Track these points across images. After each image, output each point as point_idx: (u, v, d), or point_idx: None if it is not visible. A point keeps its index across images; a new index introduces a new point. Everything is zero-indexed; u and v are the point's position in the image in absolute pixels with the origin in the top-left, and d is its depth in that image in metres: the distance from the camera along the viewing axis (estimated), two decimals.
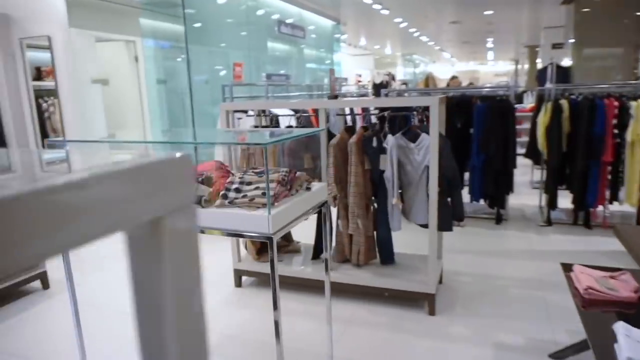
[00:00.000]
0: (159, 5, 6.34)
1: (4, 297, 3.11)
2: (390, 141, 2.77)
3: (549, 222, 4.50)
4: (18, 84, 5.29)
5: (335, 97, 2.92)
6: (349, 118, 5.72)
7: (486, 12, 9.98)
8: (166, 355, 0.31)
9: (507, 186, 4.46)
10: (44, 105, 5.69)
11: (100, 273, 3.63)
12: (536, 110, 5.31)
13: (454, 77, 8.79)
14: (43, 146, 5.48)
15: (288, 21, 8.23)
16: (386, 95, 5.23)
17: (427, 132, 2.64)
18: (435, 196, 2.65)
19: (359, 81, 14.34)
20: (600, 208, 4.29)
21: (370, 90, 9.69)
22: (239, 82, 4.42)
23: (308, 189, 1.67)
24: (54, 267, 3.61)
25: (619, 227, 1.80)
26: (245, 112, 3.86)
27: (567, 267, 2.13)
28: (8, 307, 3.05)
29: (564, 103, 4.24)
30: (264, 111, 4.31)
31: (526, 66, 16.49)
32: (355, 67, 18.25)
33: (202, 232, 1.47)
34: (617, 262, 2.73)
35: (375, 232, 3.05)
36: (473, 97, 4.61)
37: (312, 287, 3.03)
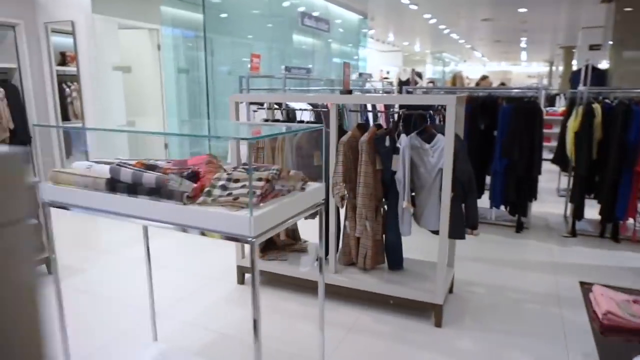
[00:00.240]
0: None
1: None
2: (404, 141, 2.62)
3: (573, 233, 4.26)
4: (42, 67, 5.35)
5: (349, 92, 2.78)
6: (370, 115, 5.58)
7: (520, 10, 9.60)
8: None
9: (530, 193, 4.24)
10: (67, 90, 5.75)
11: (107, 260, 3.62)
12: (567, 114, 5.05)
13: (484, 77, 8.48)
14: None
15: (313, 14, 8.10)
16: (407, 92, 5.06)
17: (444, 133, 2.48)
18: (447, 201, 2.49)
19: (386, 78, 14.10)
20: (630, 221, 4.03)
21: (395, 87, 9.49)
22: (255, 73, 4.32)
23: (302, 189, 1.56)
24: (60, 253, 3.63)
25: None
26: (261, 104, 3.77)
27: (586, 287, 1.96)
28: None
29: (597, 107, 3.98)
30: (279, 104, 4.22)
31: (561, 68, 15.87)
32: (383, 63, 17.98)
33: (185, 230, 1.38)
34: None
35: (384, 236, 2.92)
36: (499, 98, 4.39)
37: (315, 289, 2.92)
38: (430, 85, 11.22)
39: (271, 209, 1.35)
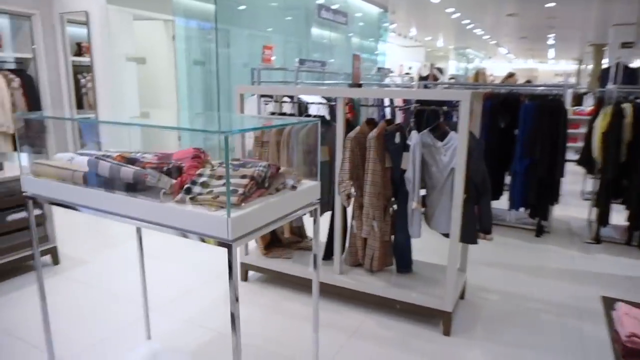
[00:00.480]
0: None
1: (13, 270, 3.10)
2: (414, 138, 2.47)
3: (597, 240, 4.02)
4: (57, 58, 5.36)
5: (359, 85, 2.64)
6: (388, 111, 5.41)
7: (547, 5, 9.22)
8: None
9: (552, 196, 4.02)
10: (82, 80, 5.76)
11: (113, 252, 3.58)
12: (595, 113, 4.79)
13: (511, 75, 8.15)
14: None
15: (332, 7, 7.93)
16: (425, 87, 4.88)
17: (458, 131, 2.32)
18: (459, 203, 2.33)
19: (407, 73, 13.83)
20: None
21: (415, 82, 9.26)
22: (267, 65, 4.21)
23: (294, 187, 1.43)
24: (66, 243, 3.61)
25: None
26: (272, 97, 3.65)
27: (609, 303, 1.78)
28: (14, 280, 3.04)
29: (627, 107, 3.74)
30: (291, 98, 4.10)
31: (590, 66, 15.29)
32: (405, 59, 17.66)
33: (161, 230, 1.27)
34: None
35: (392, 237, 2.78)
36: (521, 96, 4.17)
37: (320, 290, 2.79)
38: (452, 81, 10.93)
39: (254, 209, 1.23)
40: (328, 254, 2.91)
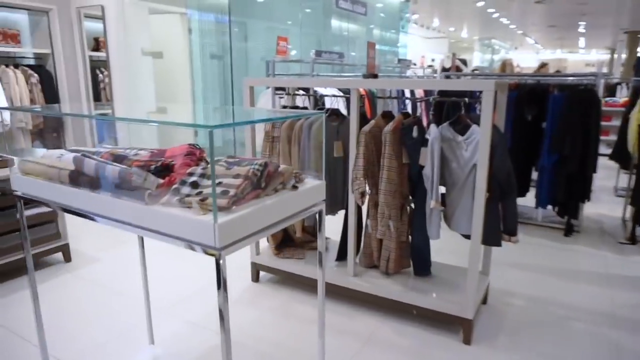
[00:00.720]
0: None
1: (24, 267, 3.07)
2: (433, 132, 2.30)
3: (632, 240, 3.76)
4: (75, 53, 5.36)
5: (374, 76, 2.49)
6: (408, 103, 5.21)
7: None
8: None
9: (583, 193, 3.77)
10: (100, 76, 5.75)
11: (126, 249, 3.53)
12: (630, 105, 4.49)
13: (543, 64, 7.70)
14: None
15: None
16: (447, 77, 4.67)
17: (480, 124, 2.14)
18: (482, 202, 2.16)
19: (430, 65, 13.48)
20: None
21: (438, 74, 8.98)
22: (282, 57, 4.08)
23: (295, 187, 1.30)
24: (79, 240, 3.58)
25: None
26: (283, 89, 3.52)
27: None
28: (25, 278, 3.01)
29: None
30: (306, 90, 3.96)
31: (624, 55, 14.59)
32: (428, 50, 17.26)
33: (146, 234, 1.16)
34: None
35: (410, 237, 2.62)
36: (550, 86, 3.92)
37: (332, 292, 2.68)
38: (476, 73, 10.56)
39: (247, 213, 1.11)
40: (342, 255, 2.78)
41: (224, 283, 1.04)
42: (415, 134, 2.43)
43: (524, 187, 3.99)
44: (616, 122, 6.85)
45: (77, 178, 1.29)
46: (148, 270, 2.20)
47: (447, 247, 2.93)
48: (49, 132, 5.43)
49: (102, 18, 5.12)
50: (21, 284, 2.93)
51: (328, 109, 2.74)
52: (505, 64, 7.14)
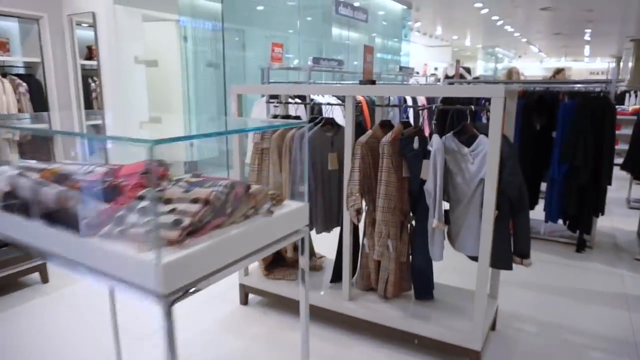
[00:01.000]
0: None
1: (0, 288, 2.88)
2: (436, 143, 2.09)
3: None
4: (66, 61, 5.20)
5: (372, 82, 2.29)
6: (410, 112, 5.01)
7: None
8: None
9: (596, 207, 3.54)
10: (93, 85, 5.59)
11: None
12: None
13: (559, 70, 7.28)
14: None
15: (355, 4, 7.57)
16: (451, 84, 4.47)
17: (488, 134, 1.93)
18: (490, 221, 1.94)
19: (433, 74, 13.30)
20: None
21: (441, 83, 8.79)
22: (277, 65, 3.90)
23: (270, 212, 1.09)
24: None
25: None
26: (277, 97, 3.33)
27: None
28: (1, 300, 2.81)
29: None
30: (302, 98, 3.77)
31: (630, 64, 14.37)
32: (431, 59, 17.11)
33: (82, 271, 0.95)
34: None
35: (410, 257, 2.40)
36: (560, 94, 3.71)
37: (326, 318, 2.46)
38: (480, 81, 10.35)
39: (204, 247, 0.90)
40: (337, 277, 2.56)
41: (171, 339, 0.82)
42: (416, 145, 2.22)
43: (532, 200, 3.76)
44: (626, 131, 6.62)
45: (11, 201, 1.10)
46: (110, 305, 1.98)
47: (450, 264, 2.71)
48: (38, 142, 5.25)
49: (93, 25, 4.96)
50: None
51: (321, 118, 2.54)
52: (512, 72, 6.92)
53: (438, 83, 8.79)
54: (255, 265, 2.81)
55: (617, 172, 4.57)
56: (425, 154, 2.17)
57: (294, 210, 1.17)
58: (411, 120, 5.09)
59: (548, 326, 2.54)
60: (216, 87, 6.13)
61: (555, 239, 3.92)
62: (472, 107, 2.16)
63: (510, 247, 2.09)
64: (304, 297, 1.33)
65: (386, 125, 2.38)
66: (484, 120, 3.83)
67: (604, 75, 21.83)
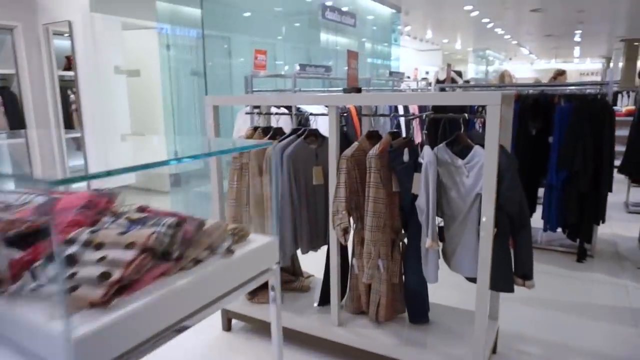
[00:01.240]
0: None
1: None
2: (427, 155, 1.92)
3: None
4: (42, 73, 5.00)
5: (358, 90, 2.12)
6: (402, 122, 4.84)
7: None
8: None
9: (597, 214, 3.39)
10: (72, 96, 5.39)
11: None
12: (636, 112, 4.17)
13: (561, 72, 6.99)
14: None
15: (343, 9, 7.43)
16: (441, 90, 4.33)
17: (483, 144, 1.77)
18: (489, 239, 1.77)
19: (424, 78, 13.21)
20: None
21: (432, 87, 8.67)
22: (260, 72, 3.74)
23: (230, 252, 0.92)
24: None
25: None
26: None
27: None
28: None
29: None
30: (289, 108, 3.60)
31: (620, 64, 14.35)
32: (421, 63, 17.04)
33: None
34: None
35: (403, 277, 2.23)
36: (555, 97, 3.57)
37: (314, 344, 2.27)
38: (472, 85, 10.25)
39: (133, 310, 0.71)
40: (325, 299, 2.37)
41: None
42: (406, 157, 2.05)
43: (530, 208, 3.60)
44: (620, 132, 6.52)
45: None
46: None
47: (446, 280, 2.53)
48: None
49: (69, 35, 4.78)
50: None
51: (304, 129, 2.36)
52: (504, 75, 6.81)
53: (429, 87, 8.67)
54: None
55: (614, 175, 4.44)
56: (417, 167, 2.00)
57: (261, 246, 0.99)
58: (403, 130, 4.92)
59: (552, 347, 2.37)
60: (200, 97, 5.95)
61: (554, 248, 3.77)
62: (466, 115, 2.00)
63: (510, 268, 1.92)
64: (275, 318, 1.14)
65: (373, 137, 2.21)
66: (477, 127, 3.68)
67: (594, 77, 21.91)
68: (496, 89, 4.57)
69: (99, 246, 0.80)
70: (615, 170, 4.33)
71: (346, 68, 2.22)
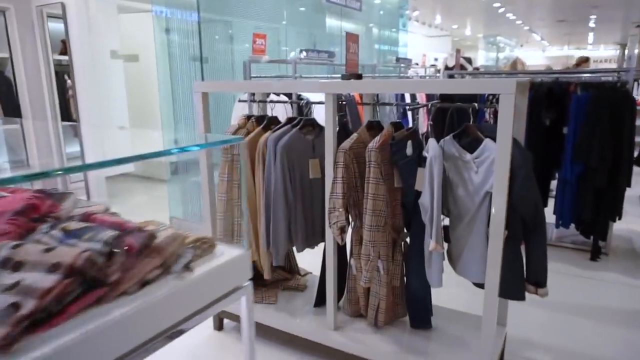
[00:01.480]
0: None
1: None
2: (432, 149, 1.75)
3: None
4: (37, 57, 4.85)
5: (358, 77, 1.94)
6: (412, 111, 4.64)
7: None
8: None
9: (613, 211, 3.19)
10: (69, 82, 5.24)
11: None
12: None
13: (585, 59, 6.57)
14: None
15: None
16: (450, 77, 4.12)
17: (495, 137, 1.59)
18: (498, 242, 1.61)
19: (433, 65, 12.90)
20: None
21: (441, 74, 8.41)
22: (259, 57, 3.55)
23: (188, 268, 0.76)
24: None
25: None
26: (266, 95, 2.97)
27: None
28: None
29: None
30: (289, 96, 3.42)
31: (636, 51, 13.90)
32: (430, 49, 16.67)
33: None
34: None
35: (405, 279, 2.07)
36: (571, 85, 3.35)
37: (309, 348, 2.13)
38: (481, 72, 9.96)
39: (49, 352, 0.56)
40: (321, 300, 2.23)
41: None
42: (409, 150, 1.88)
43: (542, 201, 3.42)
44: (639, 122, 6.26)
45: None
46: None
47: (450, 280, 2.37)
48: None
49: (62, 17, 4.60)
50: None
51: (300, 119, 2.19)
52: (517, 62, 6.55)
53: (438, 75, 8.41)
54: None
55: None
56: (421, 161, 1.82)
57: (229, 261, 0.83)
58: (410, 120, 4.71)
59: (562, 354, 2.22)
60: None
61: (565, 245, 3.59)
62: (475, 104, 1.82)
63: (522, 274, 1.75)
64: (247, 319, 0.98)
65: (374, 127, 2.04)
66: (488, 118, 3.48)
67: (608, 64, 21.36)
68: (507, 77, 4.35)
69: (17, 266, 0.65)
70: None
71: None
